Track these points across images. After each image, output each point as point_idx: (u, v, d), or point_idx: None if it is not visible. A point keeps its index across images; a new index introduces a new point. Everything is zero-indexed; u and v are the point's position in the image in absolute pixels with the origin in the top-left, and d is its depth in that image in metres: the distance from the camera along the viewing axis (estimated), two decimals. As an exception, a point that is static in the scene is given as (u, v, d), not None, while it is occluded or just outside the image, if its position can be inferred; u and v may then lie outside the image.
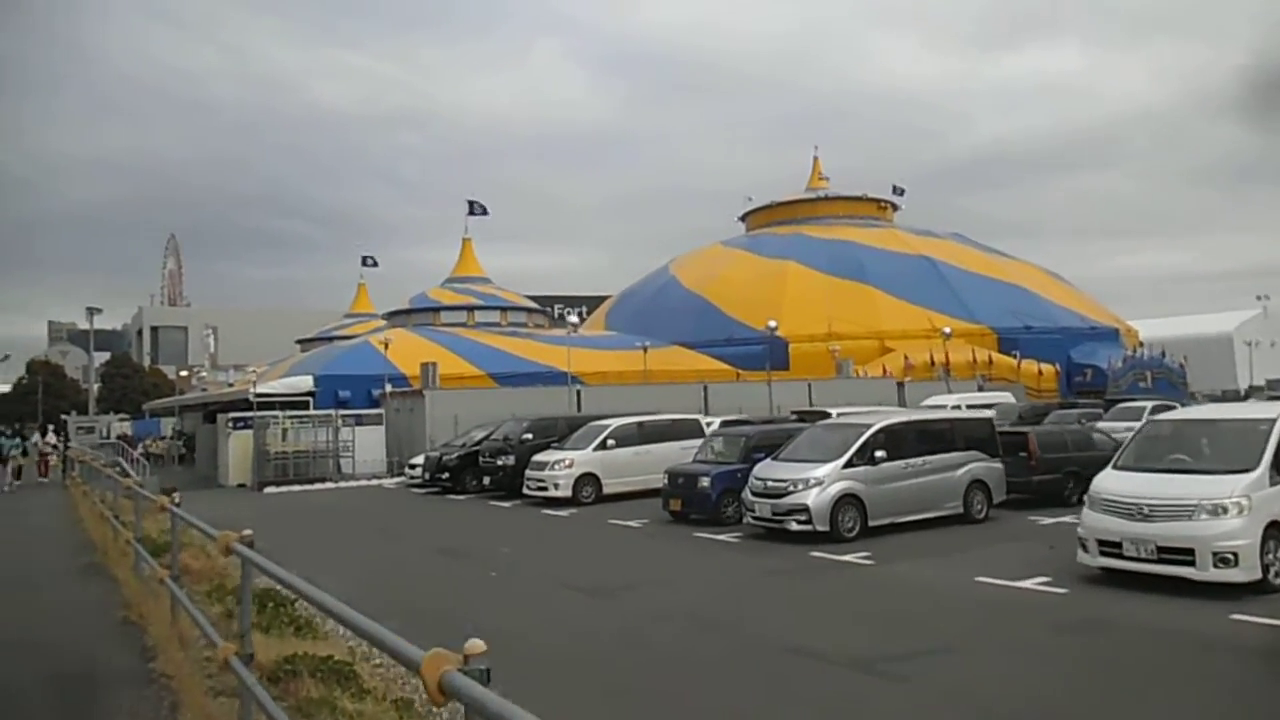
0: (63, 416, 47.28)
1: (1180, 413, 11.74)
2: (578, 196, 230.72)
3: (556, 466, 19.06)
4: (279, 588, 8.84)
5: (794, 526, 12.71)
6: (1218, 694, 6.28)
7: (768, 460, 14.20)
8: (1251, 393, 43.27)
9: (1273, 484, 8.87)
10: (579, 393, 30.52)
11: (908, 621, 8.43)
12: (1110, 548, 9.23)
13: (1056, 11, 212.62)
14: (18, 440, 31.32)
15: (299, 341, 61.52)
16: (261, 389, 30.29)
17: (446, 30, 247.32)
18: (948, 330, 44.09)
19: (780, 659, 7.28)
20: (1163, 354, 52.42)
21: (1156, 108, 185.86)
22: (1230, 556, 8.48)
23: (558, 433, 21.27)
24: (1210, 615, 7.94)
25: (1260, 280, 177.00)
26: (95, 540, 13.62)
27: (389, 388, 31.70)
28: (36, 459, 31.91)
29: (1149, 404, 28.63)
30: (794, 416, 22.13)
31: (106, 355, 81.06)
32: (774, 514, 13.00)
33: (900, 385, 38.91)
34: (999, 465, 14.65)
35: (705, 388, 33.67)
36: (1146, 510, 9.02)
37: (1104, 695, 6.28)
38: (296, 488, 26.14)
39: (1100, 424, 21.81)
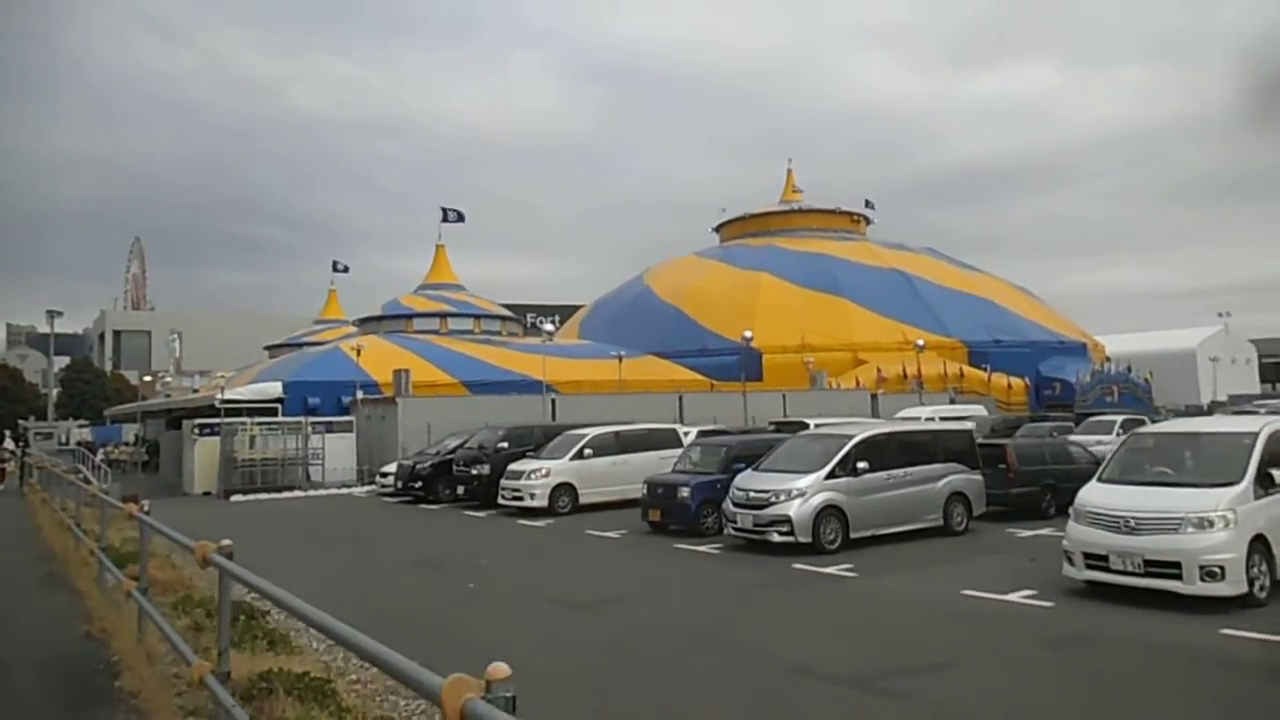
0: (20, 422, 46.04)
1: (1163, 426, 11.79)
2: (552, 206, 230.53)
3: (533, 476, 18.79)
4: (250, 599, 8.55)
5: (776, 538, 12.57)
6: (1214, 710, 6.21)
7: (749, 471, 14.07)
8: (1215, 408, 43.99)
9: (1257, 497, 8.88)
10: (554, 402, 30.25)
11: (899, 636, 8.30)
12: (1096, 561, 9.19)
13: (1030, 33, 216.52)
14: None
15: (267, 348, 60.55)
16: (229, 395, 29.66)
17: (425, 39, 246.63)
18: (921, 343, 44.43)
19: (776, 676, 7.11)
20: (1129, 369, 53.25)
21: (1125, 128, 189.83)
22: (1217, 570, 8.46)
23: (533, 442, 21.01)
24: (1200, 630, 7.90)
25: (1222, 297, 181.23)
26: (55, 550, 13.14)
27: (360, 395, 31.21)
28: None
29: (1119, 418, 28.99)
30: (772, 427, 22.07)
31: (67, 360, 79.18)
32: (756, 525, 12.86)
33: (874, 397, 39.07)
34: (979, 477, 14.65)
35: (680, 397, 33.55)
36: (1133, 523, 8.99)
37: (1102, 711, 6.18)
38: (264, 496, 25.60)
39: (1070, 437, 21.94)
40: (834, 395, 39.44)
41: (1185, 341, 67.86)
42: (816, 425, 19.51)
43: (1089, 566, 9.27)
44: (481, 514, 19.52)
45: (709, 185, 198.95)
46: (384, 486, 24.67)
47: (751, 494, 13.11)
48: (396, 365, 32.98)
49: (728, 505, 13.57)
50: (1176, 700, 6.37)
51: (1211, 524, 8.62)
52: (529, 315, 67.71)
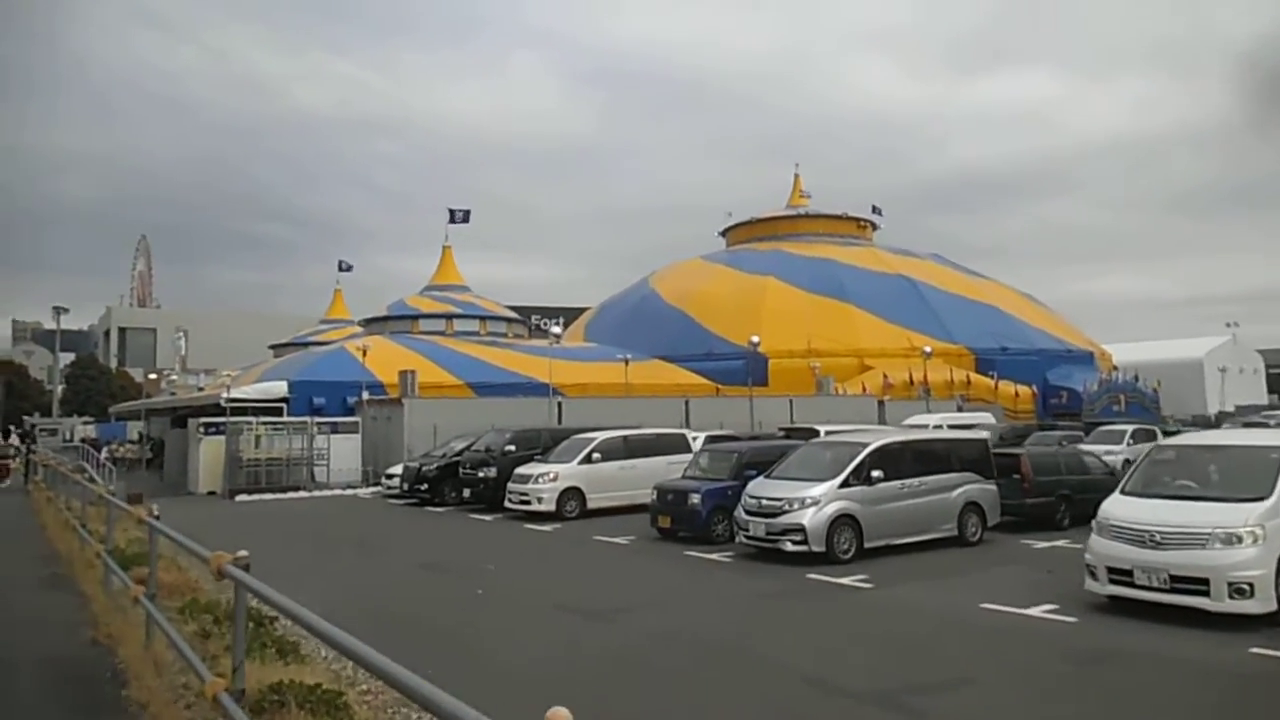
0: (25, 418, 45.99)
1: (1186, 438, 11.60)
2: (555, 208, 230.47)
3: (540, 480, 18.63)
4: (255, 604, 8.40)
5: (789, 547, 12.39)
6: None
7: (761, 478, 13.89)
8: (1222, 418, 43.69)
9: (1285, 513, 8.68)
10: (560, 405, 30.10)
11: (918, 650, 8.12)
12: (1121, 575, 9.00)
13: (1029, 40, 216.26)
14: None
15: (272, 347, 60.50)
16: (234, 394, 29.54)
17: (426, 39, 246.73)
18: (928, 349, 44.20)
19: (793, 688, 6.94)
20: (1136, 378, 52.99)
21: (1124, 136, 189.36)
22: (1246, 587, 8.28)
23: (541, 445, 20.87)
24: (1229, 648, 7.71)
25: (1224, 307, 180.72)
26: (60, 550, 13.00)
27: (366, 395, 31.08)
28: (-4, 462, 30.88)
29: (1130, 427, 28.79)
30: (781, 433, 21.89)
31: (72, 356, 79.24)
32: (768, 533, 12.68)
33: (881, 403, 38.89)
34: (993, 487, 14.45)
35: (687, 402, 33.37)
36: (1158, 538, 8.81)
37: (1135, 734, 6.01)
38: (269, 496, 25.46)
39: (1081, 446, 21.73)
40: (841, 401, 39.23)
41: (1192, 351, 67.55)
42: (827, 432, 19.35)
43: (1113, 581, 9.08)
44: (488, 517, 19.36)
45: (710, 188, 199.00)
46: (389, 488, 24.53)
47: (764, 502, 12.94)
48: (402, 366, 32.87)
49: (739, 513, 13.39)
50: (1210, 722, 6.19)
51: (1240, 539, 8.43)
52: (533, 317, 67.60)
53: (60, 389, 61.01)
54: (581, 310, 70.07)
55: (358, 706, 6.17)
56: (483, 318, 47.11)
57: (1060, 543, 14.17)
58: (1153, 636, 8.20)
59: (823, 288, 54.69)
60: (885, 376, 44.89)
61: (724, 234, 70.58)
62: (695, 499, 14.77)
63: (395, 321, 45.91)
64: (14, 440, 33.22)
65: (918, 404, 38.35)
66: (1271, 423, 31.11)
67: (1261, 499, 8.72)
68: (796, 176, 71.05)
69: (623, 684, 7.33)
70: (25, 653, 7.53)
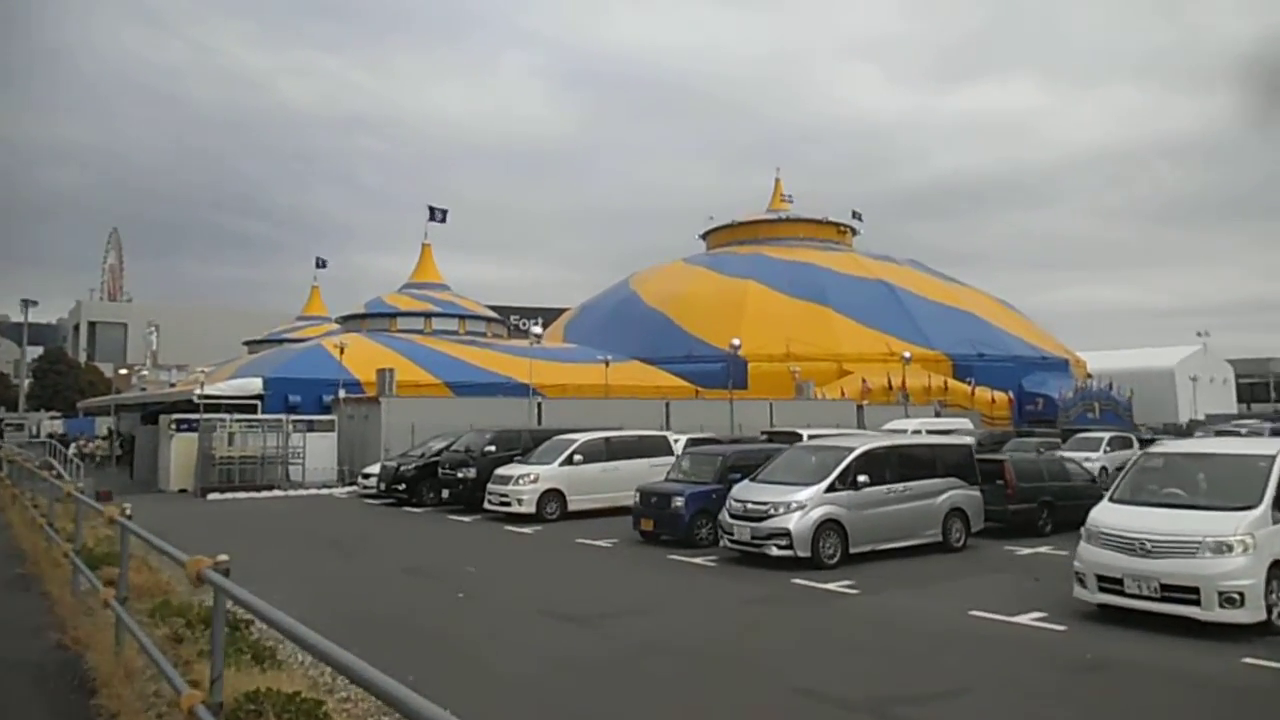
0: (-10, 412, 45.02)
1: (1174, 445, 11.57)
2: (537, 209, 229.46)
3: (521, 481, 18.39)
4: (231, 607, 8.12)
5: (774, 551, 12.26)
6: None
7: (745, 482, 13.76)
8: (1194, 427, 44.24)
9: (1275, 521, 8.67)
10: (540, 405, 29.85)
11: (909, 658, 8.01)
12: (1110, 584, 8.95)
13: (1013, 50, 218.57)
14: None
15: (247, 343, 59.66)
16: (208, 390, 29.00)
17: (413, 38, 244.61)
18: (908, 355, 44.38)
19: (784, 698, 6.80)
20: (1110, 386, 53.62)
21: (1105, 147, 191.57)
22: (1236, 596, 8.24)
23: (521, 446, 20.63)
24: (1221, 658, 7.67)
25: (1199, 318, 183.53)
26: (25, 549, 12.59)
27: (343, 393, 30.65)
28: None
29: (1106, 435, 29.03)
30: (764, 436, 21.79)
31: (40, 350, 77.76)
32: (753, 538, 12.54)
33: (860, 408, 38.97)
34: (978, 493, 14.42)
35: (668, 404, 33.24)
36: (1148, 546, 8.76)
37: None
38: (242, 495, 25.00)
39: (1062, 453, 21.82)
40: (820, 405, 39.29)
41: (1164, 360, 68.44)
42: (809, 436, 19.27)
43: (1102, 589, 9.02)
44: (467, 519, 19.09)
45: (692, 192, 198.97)
46: (366, 488, 24.17)
47: (749, 506, 12.80)
48: (380, 364, 32.46)
49: (724, 516, 13.25)
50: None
51: (1230, 548, 8.40)
52: (512, 317, 67.22)
53: (27, 383, 59.77)
54: (561, 311, 69.81)
55: (338, 716, 5.95)
56: (462, 317, 46.72)
57: (1043, 549, 14.17)
58: (1144, 646, 8.15)
59: (803, 292, 54.84)
60: (864, 381, 45.04)
61: (705, 237, 70.63)
62: (679, 502, 14.61)
63: (373, 319, 45.41)
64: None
65: (896, 409, 38.48)
66: (1243, 431, 31.51)
67: (1251, 507, 8.70)
68: (778, 181, 71.38)
69: (611, 692, 7.15)
70: (-13, 657, 7.23)
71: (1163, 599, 8.56)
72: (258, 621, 7.77)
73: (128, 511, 6.65)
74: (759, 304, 53.79)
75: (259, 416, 28.08)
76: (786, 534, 12.20)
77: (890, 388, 44.16)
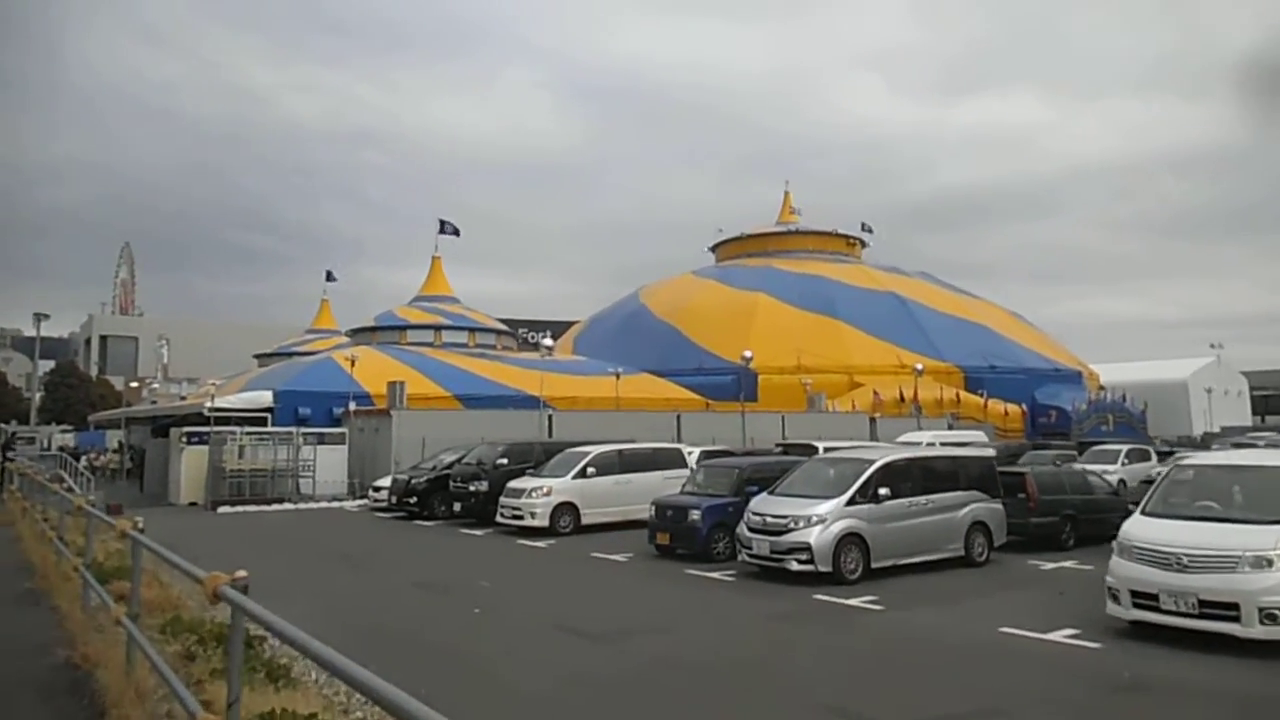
0: (2, 426, 45.01)
1: (1205, 458, 11.34)
2: (543, 223, 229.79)
3: (534, 494, 18.19)
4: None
5: (794, 566, 12.02)
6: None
7: (764, 495, 13.53)
8: (1210, 439, 43.75)
9: (1314, 536, 8.40)
10: (550, 417, 29.66)
11: (943, 677, 7.76)
12: (1145, 600, 8.68)
13: (1018, 63, 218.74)
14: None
15: (257, 356, 59.72)
16: (219, 403, 28.93)
17: (417, 53, 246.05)
18: (920, 367, 44.06)
19: (821, 718, 6.56)
20: (1124, 398, 53.16)
21: (1112, 160, 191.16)
22: (1277, 613, 7.97)
23: (534, 458, 20.44)
24: (1267, 679, 7.42)
25: (1210, 330, 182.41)
26: (35, 563, 12.43)
27: (353, 406, 30.54)
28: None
29: (1124, 447, 28.66)
30: (779, 449, 21.56)
31: (52, 364, 78.02)
32: (773, 552, 12.31)
33: (872, 420, 38.68)
34: (1000, 506, 14.15)
35: (679, 417, 33.02)
36: (1184, 560, 8.50)
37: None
38: (253, 508, 24.85)
39: (1084, 466, 21.49)
40: (832, 418, 39.01)
41: (1178, 372, 67.86)
42: (825, 449, 19.03)
43: (1137, 605, 8.76)
44: (479, 532, 18.89)
45: (698, 205, 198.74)
46: (376, 501, 24.00)
47: (769, 519, 12.57)
48: (390, 377, 32.36)
49: (742, 530, 13.02)
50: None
51: (1270, 563, 8.13)
52: (520, 330, 67.12)
53: (39, 396, 59.92)
54: (569, 324, 69.65)
55: (355, 737, 5.76)
56: (472, 329, 46.61)
57: (1067, 563, 13.89)
58: (1183, 664, 7.88)
59: (812, 304, 54.59)
60: (875, 393, 44.70)
61: (714, 249, 70.49)
62: (695, 515, 14.39)
63: (383, 332, 45.33)
64: (-11, 449, 32.28)
65: (909, 421, 38.16)
66: (1260, 443, 31.11)
67: (1289, 521, 8.44)
68: (786, 193, 71.18)
69: (633, 712, 6.94)
70: (-5, 674, 7.06)
71: (1201, 615, 8.30)
72: (271, 638, 7.60)
73: (140, 526, 6.47)
74: (769, 316, 53.56)
75: (269, 429, 27.96)
76: (807, 548, 11.96)
77: (902, 400, 43.83)
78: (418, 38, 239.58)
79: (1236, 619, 8.11)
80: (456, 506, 20.67)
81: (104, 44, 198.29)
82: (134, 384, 65.14)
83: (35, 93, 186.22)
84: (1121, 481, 23.60)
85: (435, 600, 11.77)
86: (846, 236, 68.40)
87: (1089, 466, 21.95)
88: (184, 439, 27.06)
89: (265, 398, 31.28)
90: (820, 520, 12.14)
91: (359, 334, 47.28)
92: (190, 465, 26.55)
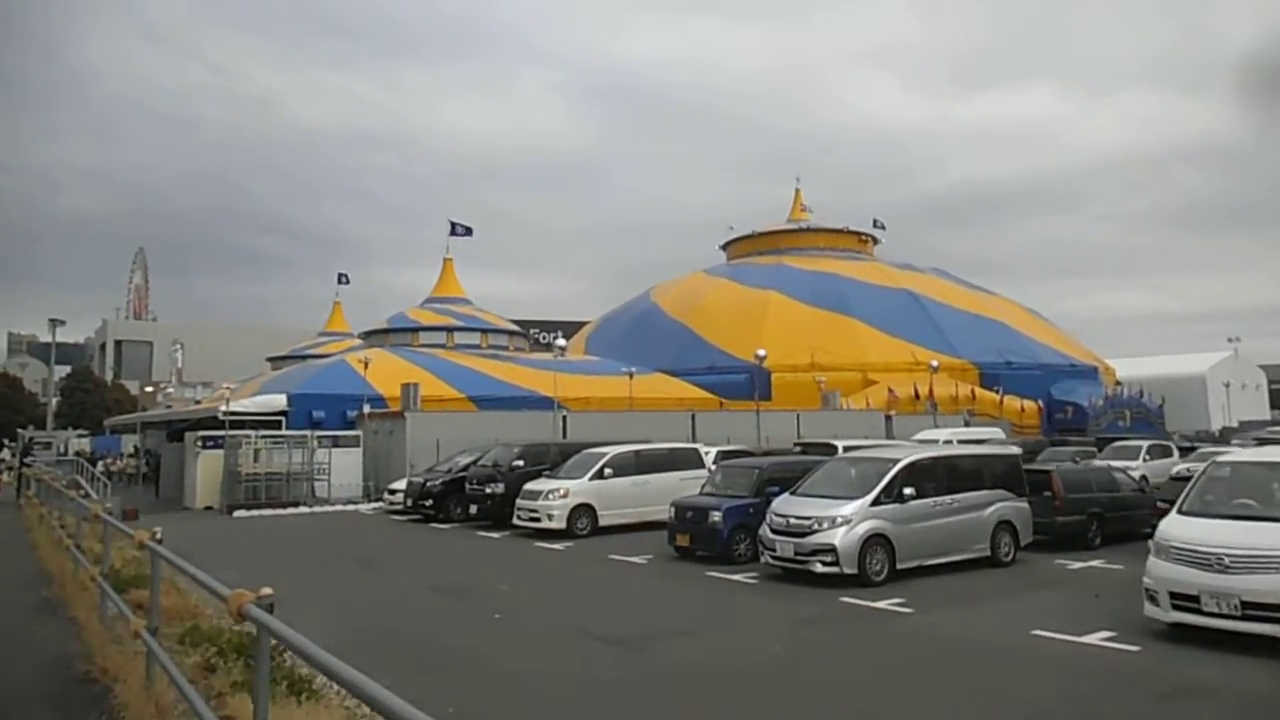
0: (21, 431, 45.21)
1: (1241, 454, 11.05)
2: (555, 224, 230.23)
3: (551, 496, 18.03)
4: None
5: (819, 568, 11.81)
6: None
7: (786, 495, 13.32)
8: (1228, 434, 43.20)
9: (1360, 534, 8.15)
10: (565, 418, 29.51)
11: (978, 683, 7.54)
12: (1186, 601, 8.44)
13: (1031, 57, 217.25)
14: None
15: (270, 359, 59.82)
16: (233, 407, 28.90)
17: (427, 55, 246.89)
18: (935, 364, 43.71)
19: (853, 730, 6.37)
20: (1141, 393, 52.58)
21: (1127, 153, 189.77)
22: (1324, 615, 7.73)
23: (550, 460, 20.28)
24: (1316, 682, 7.16)
25: (1227, 323, 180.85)
26: (52, 571, 12.34)
27: (367, 408, 30.47)
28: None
29: (1145, 443, 28.23)
30: (797, 448, 21.33)
31: (68, 369, 78.44)
32: (797, 554, 12.09)
33: (888, 418, 38.36)
34: (1026, 505, 13.89)
35: (694, 416, 32.80)
36: (1226, 561, 8.25)
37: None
38: (268, 511, 24.81)
39: (1110, 462, 21.16)
40: (847, 416, 38.69)
41: (1195, 366, 67.16)
42: (844, 448, 18.80)
43: (1176, 607, 8.52)
44: (496, 535, 18.74)
45: (709, 204, 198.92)
46: (392, 504, 23.90)
47: (792, 520, 12.36)
48: (403, 379, 32.28)
49: (765, 532, 12.81)
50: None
51: (1316, 563, 7.88)
52: (532, 330, 67.00)
53: (55, 401, 60.18)
54: (581, 324, 69.50)
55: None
56: (484, 330, 46.55)
57: (1095, 563, 13.64)
58: (1227, 668, 7.64)
59: (825, 301, 54.23)
60: (890, 391, 44.36)
61: (725, 247, 70.21)
62: (716, 517, 14.19)
63: (396, 334, 45.33)
64: (4, 454, 32.40)
65: (925, 419, 37.80)
66: (1282, 438, 30.60)
67: (1334, 519, 8.19)
68: (797, 191, 70.83)
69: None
70: (9, 689, 6.92)
71: (1244, 617, 8.04)
72: (289, 652, 7.45)
73: (158, 535, 6.33)
74: (781, 314, 53.24)
75: (284, 433, 27.92)
76: (832, 549, 11.75)
77: (917, 397, 43.48)
78: (425, 40, 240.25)
79: (1281, 621, 7.86)
80: (473, 509, 20.53)
81: (112, 54, 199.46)
82: (149, 388, 65.37)
83: (45, 104, 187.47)
84: (1143, 478, 23.27)
85: (454, 604, 11.62)
86: (859, 233, 67.98)
87: (1110, 463, 21.65)
88: (199, 443, 27.05)
89: (279, 401, 31.28)
90: (845, 521, 11.92)
91: (371, 336, 47.30)
92: (206, 469, 26.53)
